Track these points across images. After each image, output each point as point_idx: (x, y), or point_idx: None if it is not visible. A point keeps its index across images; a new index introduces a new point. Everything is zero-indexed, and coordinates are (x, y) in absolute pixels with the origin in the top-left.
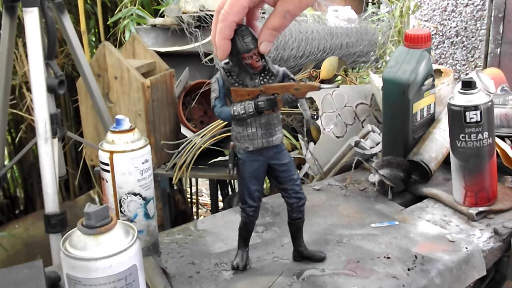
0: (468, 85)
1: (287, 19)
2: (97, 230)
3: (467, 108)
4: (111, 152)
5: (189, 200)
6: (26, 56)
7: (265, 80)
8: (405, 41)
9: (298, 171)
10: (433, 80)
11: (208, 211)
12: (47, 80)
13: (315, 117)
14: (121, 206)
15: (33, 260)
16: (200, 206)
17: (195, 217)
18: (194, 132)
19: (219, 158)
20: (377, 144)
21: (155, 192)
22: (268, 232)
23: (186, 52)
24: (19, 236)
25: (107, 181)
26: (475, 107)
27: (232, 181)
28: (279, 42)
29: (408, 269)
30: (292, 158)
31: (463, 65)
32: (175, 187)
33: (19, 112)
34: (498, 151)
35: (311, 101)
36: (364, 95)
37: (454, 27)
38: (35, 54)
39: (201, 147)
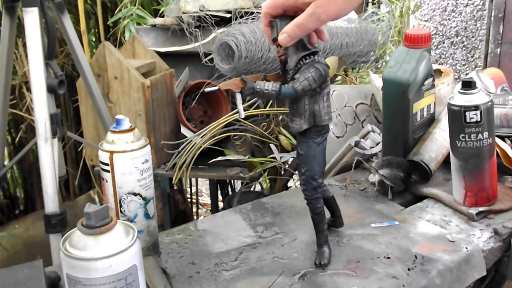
0: (468, 85)
1: (312, 19)
2: (97, 230)
3: (467, 108)
4: (111, 152)
5: (189, 200)
6: (26, 56)
7: (284, 72)
8: (405, 41)
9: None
10: (433, 80)
11: (208, 211)
12: (47, 80)
13: None
14: (121, 206)
15: (33, 260)
16: (200, 206)
17: (195, 217)
18: (194, 132)
19: (219, 158)
20: (377, 144)
21: (155, 192)
22: (268, 232)
23: (186, 52)
24: (19, 236)
25: (107, 181)
26: (475, 107)
27: (232, 181)
28: None
29: (408, 269)
30: (311, 153)
31: (463, 65)
32: (175, 187)
33: (19, 112)
34: (498, 151)
35: None
36: (364, 95)
37: (454, 27)
38: (35, 54)
39: (201, 147)
